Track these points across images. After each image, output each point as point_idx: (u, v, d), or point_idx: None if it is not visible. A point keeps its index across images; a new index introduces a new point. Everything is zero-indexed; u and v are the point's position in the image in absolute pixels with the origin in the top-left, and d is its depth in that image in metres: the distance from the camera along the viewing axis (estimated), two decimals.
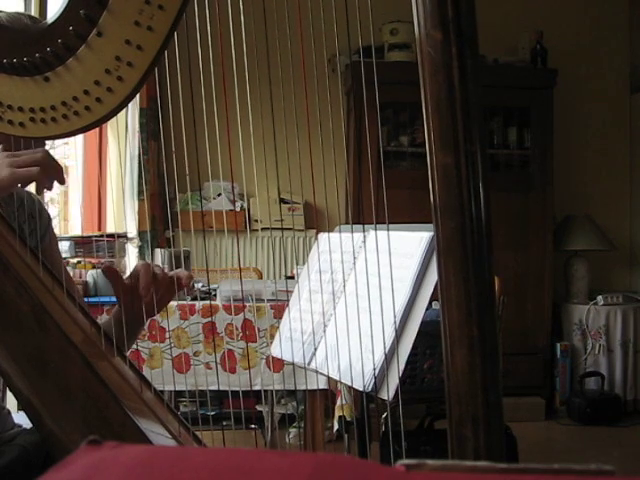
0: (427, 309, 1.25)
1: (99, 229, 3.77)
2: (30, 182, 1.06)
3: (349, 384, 1.29)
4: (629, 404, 4.10)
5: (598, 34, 4.53)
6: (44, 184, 1.05)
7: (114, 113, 1.01)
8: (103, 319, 1.46)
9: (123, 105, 1.01)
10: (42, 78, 1.01)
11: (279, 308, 2.24)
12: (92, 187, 3.74)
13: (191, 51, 0.97)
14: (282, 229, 4.07)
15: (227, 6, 0.98)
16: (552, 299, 4.22)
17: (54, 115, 1.02)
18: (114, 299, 1.27)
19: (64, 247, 2.86)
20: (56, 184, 1.07)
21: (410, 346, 1.21)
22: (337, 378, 1.32)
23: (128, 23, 0.96)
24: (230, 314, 2.37)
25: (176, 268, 2.44)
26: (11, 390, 1.11)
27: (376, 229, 1.36)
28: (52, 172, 1.04)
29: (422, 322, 1.22)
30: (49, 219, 1.40)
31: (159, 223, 3.92)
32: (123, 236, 3.21)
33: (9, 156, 1.04)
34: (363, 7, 0.93)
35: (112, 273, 1.23)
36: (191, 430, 1.14)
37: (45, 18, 1.10)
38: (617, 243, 4.37)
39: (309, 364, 1.39)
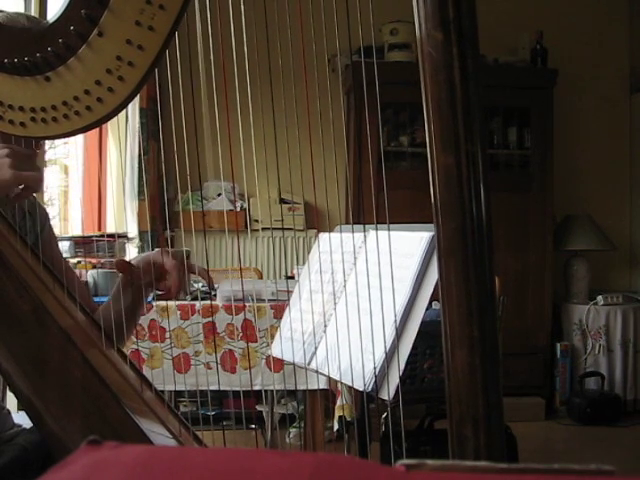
0: (427, 309, 1.24)
1: (99, 229, 3.77)
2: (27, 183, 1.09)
3: (349, 384, 1.29)
4: (629, 404, 4.10)
5: (598, 34, 4.53)
6: (39, 187, 1.08)
7: (115, 113, 1.01)
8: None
9: (124, 105, 1.01)
10: (43, 78, 1.01)
11: (279, 308, 2.24)
12: (92, 187, 3.74)
13: (192, 51, 0.97)
14: (282, 229, 4.07)
15: (228, 6, 0.98)
16: (552, 299, 4.21)
17: (55, 115, 1.02)
18: None
19: (64, 247, 2.86)
20: None
21: (410, 346, 1.21)
22: (337, 378, 1.32)
23: (129, 23, 0.96)
24: (230, 314, 2.37)
25: None
26: (11, 389, 1.11)
27: (376, 229, 1.36)
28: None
29: (422, 322, 1.22)
30: (46, 216, 1.40)
31: (159, 223, 3.92)
32: (123, 236, 3.21)
33: (10, 155, 1.05)
34: (363, 7, 0.93)
35: (122, 266, 1.25)
36: (191, 430, 1.14)
37: (45, 18, 1.10)
38: (617, 243, 4.36)
39: (309, 364, 1.39)
